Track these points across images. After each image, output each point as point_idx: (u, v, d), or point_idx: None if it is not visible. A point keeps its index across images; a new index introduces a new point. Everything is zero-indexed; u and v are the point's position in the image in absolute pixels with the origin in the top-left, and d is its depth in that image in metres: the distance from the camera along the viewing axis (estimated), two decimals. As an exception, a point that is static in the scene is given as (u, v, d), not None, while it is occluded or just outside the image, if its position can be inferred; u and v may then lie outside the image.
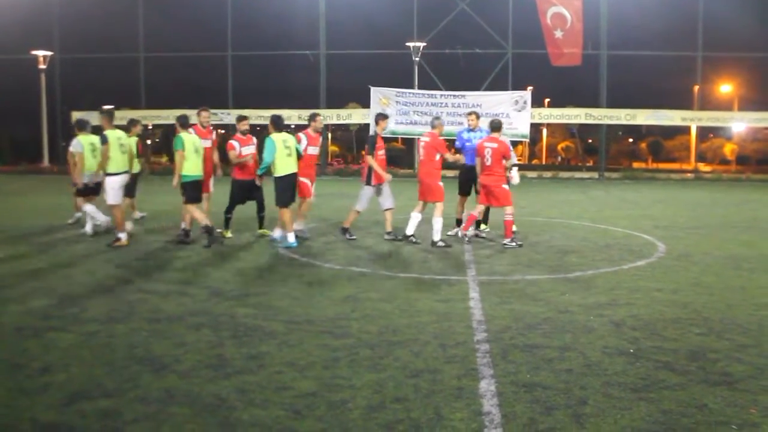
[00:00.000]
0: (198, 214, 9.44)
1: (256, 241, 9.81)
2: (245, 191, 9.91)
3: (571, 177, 33.43)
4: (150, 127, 40.99)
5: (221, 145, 11.32)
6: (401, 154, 44.61)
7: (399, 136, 30.97)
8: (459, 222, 10.54)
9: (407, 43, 31.97)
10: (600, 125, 32.31)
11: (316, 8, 32.28)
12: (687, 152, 56.23)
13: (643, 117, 31.33)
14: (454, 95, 29.10)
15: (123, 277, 7.25)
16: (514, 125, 25.76)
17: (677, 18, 33.24)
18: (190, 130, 10.19)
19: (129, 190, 11.05)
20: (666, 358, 4.55)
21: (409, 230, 9.77)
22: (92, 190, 10.27)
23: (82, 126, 10.23)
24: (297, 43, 34.24)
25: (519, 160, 9.73)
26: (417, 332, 5.12)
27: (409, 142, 31.64)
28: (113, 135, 9.27)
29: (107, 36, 35.35)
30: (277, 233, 9.56)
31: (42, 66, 32.72)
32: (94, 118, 13.39)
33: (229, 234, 10.00)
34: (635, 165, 60.51)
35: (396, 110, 27.34)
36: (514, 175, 9.81)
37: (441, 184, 9.58)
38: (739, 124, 36.68)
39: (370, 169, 9.77)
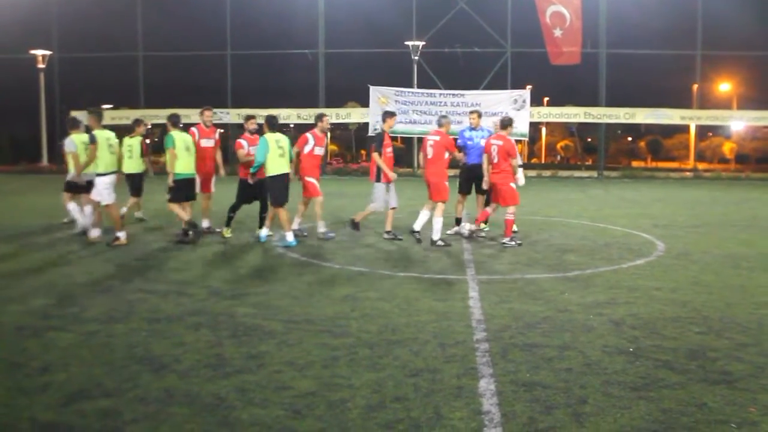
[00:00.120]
0: (180, 212, 9.49)
1: (255, 240, 9.80)
2: (252, 191, 9.89)
3: (571, 176, 33.45)
4: (149, 127, 40.98)
5: (222, 145, 11.32)
6: (401, 153, 44.62)
7: (398, 135, 31.00)
8: (458, 221, 10.54)
9: (406, 42, 31.99)
10: (599, 124, 32.34)
11: (315, 7, 32.29)
12: (686, 151, 56.31)
13: (642, 116, 31.35)
14: (453, 94, 29.11)
15: (122, 276, 7.24)
16: (513, 124, 25.79)
17: (676, 16, 33.30)
18: (193, 129, 10.26)
19: (136, 189, 11.12)
20: (665, 357, 4.55)
21: (417, 226, 9.77)
22: (80, 188, 10.20)
23: (75, 125, 10.21)
24: (296, 42, 34.29)
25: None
26: (416, 331, 5.12)
27: (409, 141, 31.63)
28: (102, 135, 9.27)
29: (106, 35, 35.41)
30: (263, 232, 9.56)
31: (41, 65, 32.72)
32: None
33: (228, 233, 9.99)
34: (634, 164, 60.66)
35: (395, 109, 27.35)
36: (520, 176, 9.82)
37: (447, 184, 9.58)
38: (738, 122, 36.73)
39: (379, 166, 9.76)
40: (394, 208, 9.97)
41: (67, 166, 10.25)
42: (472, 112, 10.77)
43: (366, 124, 30.62)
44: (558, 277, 7.31)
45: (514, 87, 30.79)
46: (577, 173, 36.30)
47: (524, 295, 6.39)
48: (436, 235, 9.42)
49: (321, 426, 3.43)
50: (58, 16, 33.90)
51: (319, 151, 10.13)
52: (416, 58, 31.65)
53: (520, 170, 9.89)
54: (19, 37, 32.34)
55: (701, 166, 42.77)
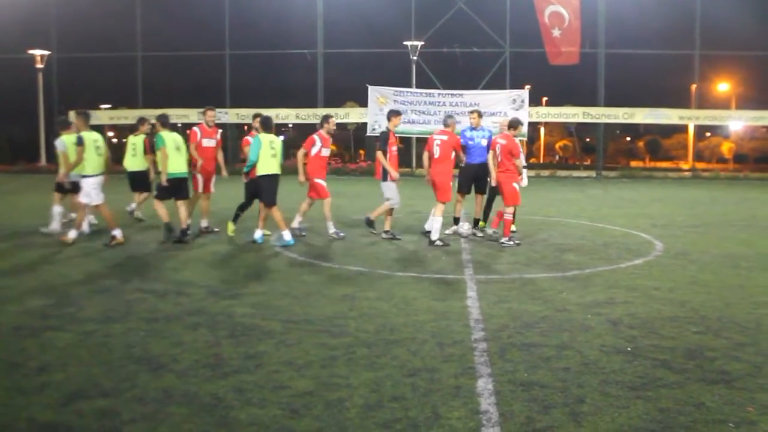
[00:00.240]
0: (162, 212, 9.53)
1: (251, 242, 9.77)
2: (256, 188, 9.87)
3: (569, 176, 33.46)
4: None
5: (224, 145, 11.33)
6: (399, 152, 44.54)
7: (397, 135, 31.00)
8: (456, 221, 10.54)
9: (405, 42, 31.98)
10: (598, 124, 32.34)
11: (314, 7, 32.28)
12: (684, 151, 56.35)
13: (641, 116, 31.36)
14: (451, 94, 29.12)
15: (120, 276, 7.23)
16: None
17: (675, 16, 33.31)
18: (195, 129, 10.33)
19: (141, 186, 11.25)
20: (663, 357, 4.55)
21: (428, 226, 9.76)
22: (68, 190, 10.17)
23: (66, 125, 10.20)
24: (295, 42, 34.28)
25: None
26: (414, 331, 5.12)
27: (407, 141, 31.61)
28: (89, 137, 9.27)
29: (105, 35, 35.37)
30: (257, 234, 9.55)
31: (39, 65, 32.68)
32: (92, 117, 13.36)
33: (232, 229, 10.00)
34: (633, 164, 60.67)
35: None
36: (523, 177, 9.84)
37: (452, 184, 9.57)
38: (737, 122, 36.72)
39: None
40: (391, 209, 9.96)
41: (59, 167, 10.28)
42: (472, 112, 10.75)
43: (364, 124, 30.62)
44: (556, 277, 7.31)
45: (513, 87, 30.80)
46: (575, 173, 36.30)
47: (522, 295, 6.39)
48: (434, 235, 9.42)
49: (319, 425, 3.43)
50: (57, 16, 33.86)
51: (326, 152, 10.15)
52: (415, 58, 31.64)
53: (524, 171, 9.92)
54: (17, 37, 32.31)
55: (700, 165, 42.83)
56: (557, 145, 70.54)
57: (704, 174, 33.87)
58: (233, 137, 31.80)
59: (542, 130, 68.23)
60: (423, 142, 33.88)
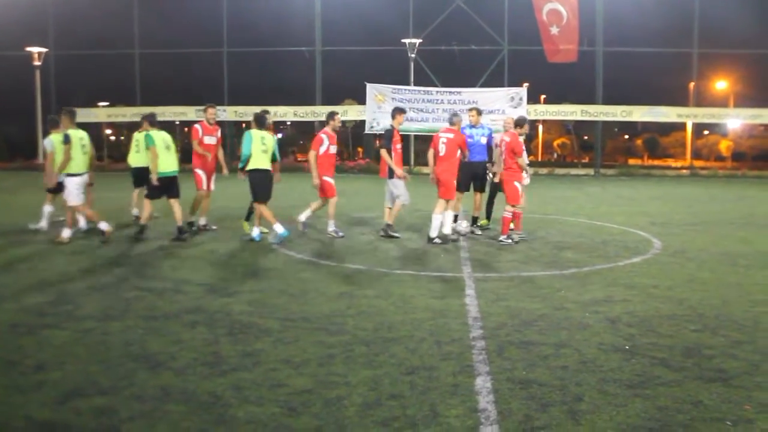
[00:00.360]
0: (147, 212, 9.55)
1: (248, 240, 9.76)
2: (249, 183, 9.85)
3: (567, 173, 33.48)
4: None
5: (224, 144, 11.31)
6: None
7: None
8: (455, 218, 10.52)
9: (403, 40, 31.93)
10: (596, 122, 32.37)
11: (312, 5, 32.23)
12: (683, 149, 56.41)
13: (639, 113, 31.38)
14: (450, 92, 29.12)
15: (118, 274, 7.22)
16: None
17: (673, 14, 33.31)
18: (196, 126, 10.35)
19: (143, 182, 11.23)
20: (661, 355, 4.55)
21: (446, 229, 9.59)
22: (58, 190, 10.12)
23: (55, 124, 10.17)
24: (293, 39, 34.20)
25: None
26: (413, 329, 5.12)
27: (405, 138, 31.60)
28: (75, 135, 9.25)
29: (102, 33, 35.29)
30: (255, 232, 9.54)
31: (37, 63, 32.56)
32: (86, 115, 13.35)
33: (247, 227, 9.99)
34: (631, 161, 60.66)
35: (392, 107, 27.37)
36: (525, 176, 9.84)
37: (455, 182, 9.55)
38: (735, 120, 36.77)
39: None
40: (390, 208, 9.95)
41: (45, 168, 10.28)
42: (471, 110, 10.73)
43: (363, 122, 30.61)
44: (555, 275, 7.32)
45: (511, 84, 30.79)
46: (573, 171, 36.31)
47: (521, 293, 6.39)
48: (433, 233, 9.41)
49: (317, 423, 3.43)
50: (55, 14, 33.78)
51: (334, 149, 10.14)
52: (413, 55, 31.60)
53: (528, 169, 9.93)
54: (15, 35, 32.20)
55: (698, 163, 42.86)
56: (555, 143, 70.51)
57: (702, 172, 33.91)
58: (231, 135, 31.78)
59: (540, 127, 68.21)
60: (421, 139, 33.66)
